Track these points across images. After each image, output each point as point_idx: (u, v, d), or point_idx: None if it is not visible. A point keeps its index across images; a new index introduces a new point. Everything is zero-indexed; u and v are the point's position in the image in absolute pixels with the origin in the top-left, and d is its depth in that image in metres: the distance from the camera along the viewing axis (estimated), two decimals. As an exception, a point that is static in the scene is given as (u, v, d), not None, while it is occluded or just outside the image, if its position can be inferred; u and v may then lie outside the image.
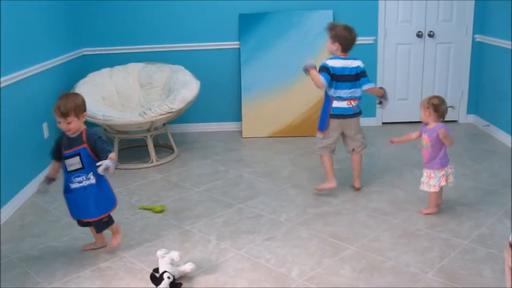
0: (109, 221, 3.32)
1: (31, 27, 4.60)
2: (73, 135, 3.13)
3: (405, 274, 3.02)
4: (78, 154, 3.12)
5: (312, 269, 3.10)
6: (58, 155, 3.21)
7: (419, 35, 5.86)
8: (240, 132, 5.94)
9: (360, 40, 5.76)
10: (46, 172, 3.42)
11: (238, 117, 6.01)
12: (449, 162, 3.75)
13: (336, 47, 4.01)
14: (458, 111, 6.08)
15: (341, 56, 4.02)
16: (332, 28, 4.04)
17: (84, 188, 3.17)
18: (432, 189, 3.71)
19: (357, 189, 4.24)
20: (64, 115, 3.04)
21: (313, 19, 5.75)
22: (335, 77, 3.97)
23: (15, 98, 4.19)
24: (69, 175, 3.16)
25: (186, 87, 5.04)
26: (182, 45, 5.90)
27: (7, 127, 4.03)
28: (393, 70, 5.98)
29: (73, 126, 3.08)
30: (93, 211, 3.23)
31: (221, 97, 6.01)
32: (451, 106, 3.85)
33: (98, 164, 3.00)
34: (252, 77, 5.83)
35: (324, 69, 3.98)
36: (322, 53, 5.72)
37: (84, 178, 3.16)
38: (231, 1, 5.79)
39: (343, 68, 3.97)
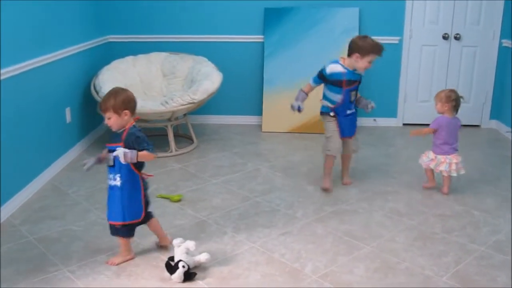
0: (121, 231, 3.12)
1: (58, 13, 4.65)
2: (117, 131, 3.03)
3: (419, 276, 3.00)
4: (113, 150, 2.98)
5: (326, 266, 3.10)
6: None
7: (445, 37, 5.81)
8: (260, 126, 5.95)
9: (385, 39, 5.79)
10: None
11: (258, 111, 6.01)
12: (444, 153, 4.06)
13: (357, 58, 4.05)
14: (481, 116, 6.02)
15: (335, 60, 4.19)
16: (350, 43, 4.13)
17: (111, 187, 3.07)
18: (423, 164, 4.20)
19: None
20: (103, 110, 3.00)
21: (338, 16, 5.72)
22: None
23: (40, 81, 4.24)
24: (110, 169, 3.06)
25: (209, 79, 5.06)
26: (206, 37, 5.92)
27: (30, 110, 4.08)
28: (417, 72, 5.93)
29: (112, 122, 2.99)
30: (111, 213, 3.10)
31: (243, 90, 6.02)
32: (461, 96, 4.18)
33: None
34: (274, 71, 5.83)
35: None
36: (345, 50, 5.69)
37: (112, 177, 3.05)
38: (257, -5, 5.80)
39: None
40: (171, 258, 3.05)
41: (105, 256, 3.22)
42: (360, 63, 3.96)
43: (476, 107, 6.01)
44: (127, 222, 3.08)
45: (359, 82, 4.11)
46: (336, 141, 4.14)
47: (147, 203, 3.16)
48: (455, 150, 4.09)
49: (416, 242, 3.39)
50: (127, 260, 3.18)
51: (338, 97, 4.06)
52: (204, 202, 4.00)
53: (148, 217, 3.19)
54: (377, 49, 3.94)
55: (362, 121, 5.97)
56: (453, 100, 4.05)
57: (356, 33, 5.70)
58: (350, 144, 4.26)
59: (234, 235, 3.49)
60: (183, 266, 2.93)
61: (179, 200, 4.01)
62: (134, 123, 3.06)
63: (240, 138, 5.59)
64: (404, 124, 6.07)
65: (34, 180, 4.17)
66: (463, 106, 5.89)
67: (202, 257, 3.05)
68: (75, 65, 5.04)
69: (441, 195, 4.10)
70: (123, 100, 3.01)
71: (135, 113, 3.09)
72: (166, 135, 5.11)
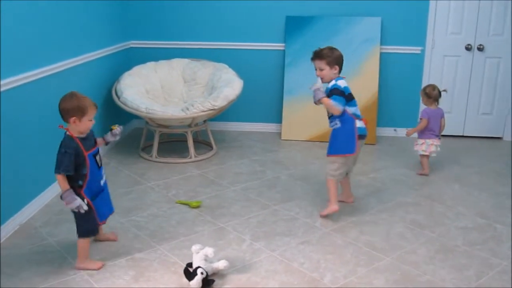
0: None
1: (81, 18, 4.69)
2: (86, 134, 3.12)
3: (440, 290, 2.96)
4: (98, 148, 3.21)
5: (346, 277, 3.07)
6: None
7: (468, 48, 5.75)
8: (279, 134, 5.93)
9: (407, 49, 5.78)
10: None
11: (278, 119, 6.00)
12: (428, 138, 4.77)
13: (336, 70, 3.81)
14: (503, 128, 5.94)
15: (341, 77, 3.86)
16: (327, 53, 3.85)
17: (104, 184, 3.28)
18: (419, 151, 4.85)
19: (352, 203, 4.12)
20: (96, 109, 3.12)
21: (360, 25, 5.69)
22: (350, 96, 3.78)
23: (63, 85, 4.26)
24: (100, 170, 3.18)
25: (229, 86, 5.06)
26: (227, 44, 5.93)
27: (52, 113, 4.09)
28: (439, 82, 5.83)
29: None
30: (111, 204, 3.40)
31: (263, 98, 6.01)
32: (444, 90, 4.85)
33: (116, 127, 3.34)
34: (295, 79, 5.81)
35: (338, 91, 3.74)
36: (366, 60, 5.69)
37: (103, 174, 3.27)
38: (279, 3, 5.79)
39: (348, 87, 3.81)
40: (190, 264, 3.04)
41: (124, 260, 3.22)
42: None
43: (498, 119, 5.93)
44: None
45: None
46: None
47: None
48: (437, 136, 4.80)
49: (437, 255, 3.34)
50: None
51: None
52: (223, 209, 3.99)
53: None
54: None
55: (383, 131, 5.94)
56: (425, 94, 4.79)
57: (378, 43, 5.68)
58: None
59: (252, 242, 3.47)
60: (202, 273, 2.92)
61: (198, 206, 4.01)
62: None
63: (260, 146, 5.58)
64: (424, 135, 6.00)
65: (55, 183, 4.18)
66: (485, 118, 5.90)
67: (221, 264, 3.04)
68: (97, 70, 5.07)
69: (464, 208, 4.04)
70: None
71: None
72: (186, 141, 5.12)
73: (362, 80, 5.65)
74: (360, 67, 5.68)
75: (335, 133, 3.81)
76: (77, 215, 3.07)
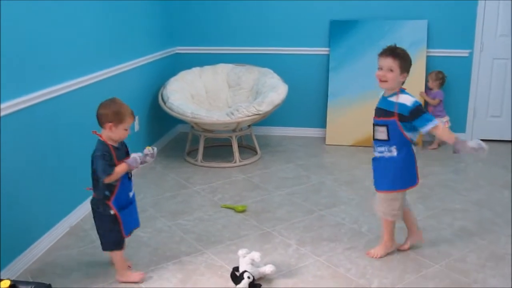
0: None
1: (131, 26, 4.80)
2: (118, 144, 3.06)
3: (491, 299, 2.89)
4: None
5: (393, 284, 3.03)
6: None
7: (519, 50, 5.60)
8: (324, 138, 5.90)
9: (455, 53, 5.67)
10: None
11: (322, 124, 5.98)
12: (444, 116, 5.53)
13: (404, 78, 3.19)
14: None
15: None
16: (404, 54, 3.17)
17: (133, 197, 3.15)
18: None
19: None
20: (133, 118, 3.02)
21: (406, 28, 5.62)
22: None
23: (112, 90, 4.35)
24: (130, 181, 3.10)
25: (274, 91, 5.07)
26: (272, 49, 5.95)
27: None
28: (488, 86, 5.74)
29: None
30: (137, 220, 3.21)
31: (307, 103, 6.00)
32: (446, 76, 5.54)
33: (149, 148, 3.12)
34: (339, 84, 5.78)
35: (423, 109, 3.16)
36: (413, 64, 5.54)
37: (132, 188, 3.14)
38: (323, 7, 5.78)
39: None
40: (236, 269, 3.06)
41: (172, 263, 3.27)
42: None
43: (550, 123, 5.76)
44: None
45: (398, 118, 3.10)
46: None
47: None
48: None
49: (488, 263, 3.26)
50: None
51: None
52: (268, 214, 4.00)
53: None
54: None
55: (429, 136, 5.83)
56: (440, 78, 5.51)
57: (424, 46, 5.60)
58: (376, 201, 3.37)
59: (298, 247, 3.46)
60: (248, 277, 2.93)
61: (243, 211, 4.03)
62: None
63: (304, 151, 5.57)
64: (473, 140, 5.87)
65: (104, 187, 4.28)
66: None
67: (267, 269, 3.05)
68: (144, 76, 5.18)
69: (514, 215, 3.95)
70: None
71: None
72: (231, 145, 5.16)
73: (408, 85, 5.49)
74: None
75: (390, 163, 3.17)
76: (102, 227, 3.03)
